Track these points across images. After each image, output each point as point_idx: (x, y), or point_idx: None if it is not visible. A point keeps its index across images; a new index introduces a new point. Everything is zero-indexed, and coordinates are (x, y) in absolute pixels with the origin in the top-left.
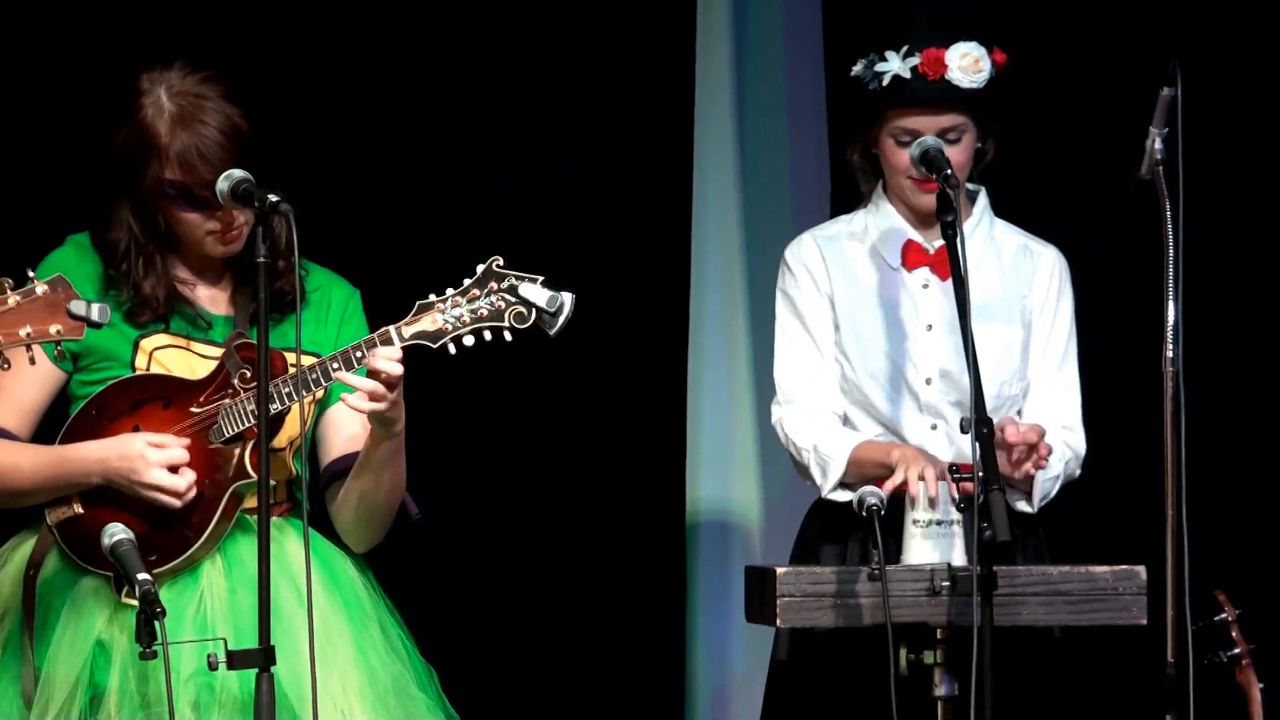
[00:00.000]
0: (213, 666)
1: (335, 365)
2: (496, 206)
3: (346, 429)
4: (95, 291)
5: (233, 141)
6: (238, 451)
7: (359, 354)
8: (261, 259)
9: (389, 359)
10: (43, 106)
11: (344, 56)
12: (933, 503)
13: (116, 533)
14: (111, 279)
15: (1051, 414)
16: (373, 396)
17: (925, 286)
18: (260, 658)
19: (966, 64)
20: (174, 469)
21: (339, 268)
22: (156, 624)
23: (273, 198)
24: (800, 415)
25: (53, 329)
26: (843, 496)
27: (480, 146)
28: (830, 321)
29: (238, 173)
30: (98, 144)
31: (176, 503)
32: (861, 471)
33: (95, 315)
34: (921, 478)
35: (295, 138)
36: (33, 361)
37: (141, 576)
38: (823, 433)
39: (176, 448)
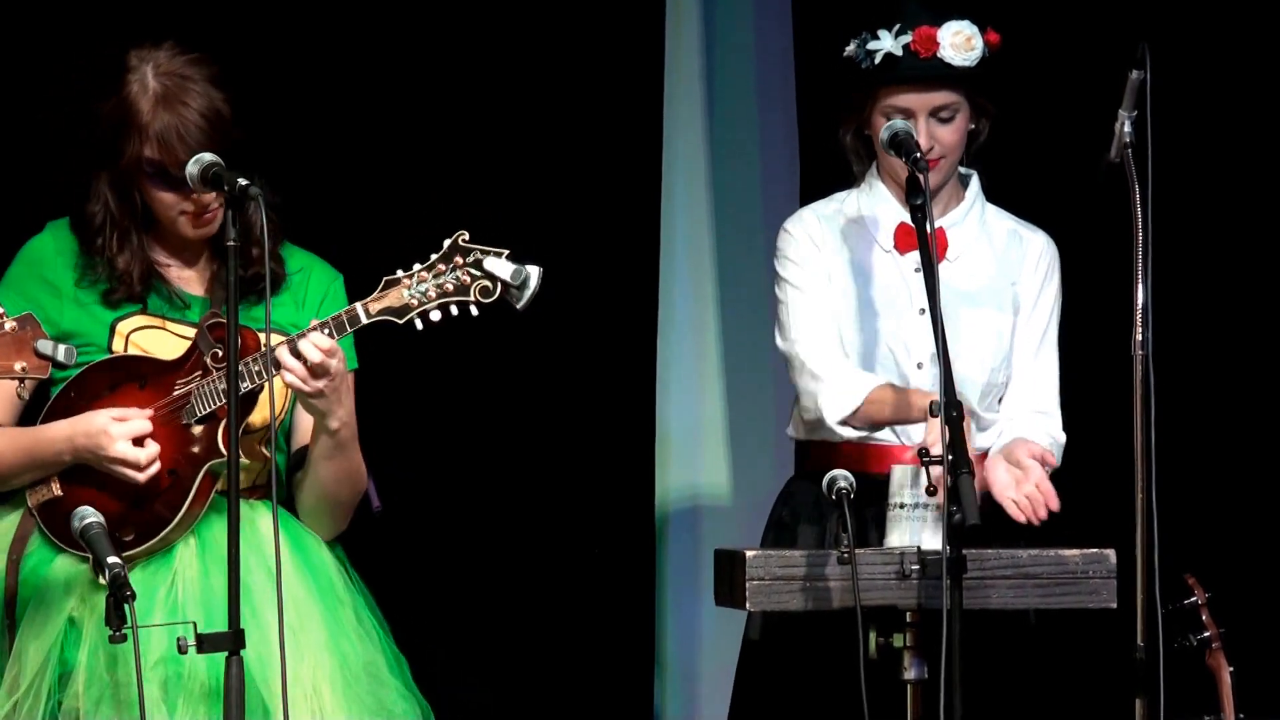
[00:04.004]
0: (182, 650)
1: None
2: (466, 188)
3: (310, 420)
4: (72, 274)
5: (213, 125)
6: (210, 431)
7: (326, 331)
8: (231, 242)
9: (312, 345)
10: (27, 90)
11: (327, 45)
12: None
13: (86, 515)
14: (89, 258)
15: (1027, 399)
16: (298, 377)
17: (918, 270)
18: (230, 641)
19: (959, 42)
20: (139, 441)
21: (314, 248)
22: (126, 607)
23: (242, 181)
24: (812, 348)
25: (18, 366)
26: (849, 433)
27: (451, 127)
28: (829, 289)
29: (207, 156)
30: (83, 118)
31: (140, 476)
32: (884, 406)
33: (61, 356)
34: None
35: (272, 120)
36: (22, 396)
37: (111, 560)
38: (840, 365)
39: (139, 419)
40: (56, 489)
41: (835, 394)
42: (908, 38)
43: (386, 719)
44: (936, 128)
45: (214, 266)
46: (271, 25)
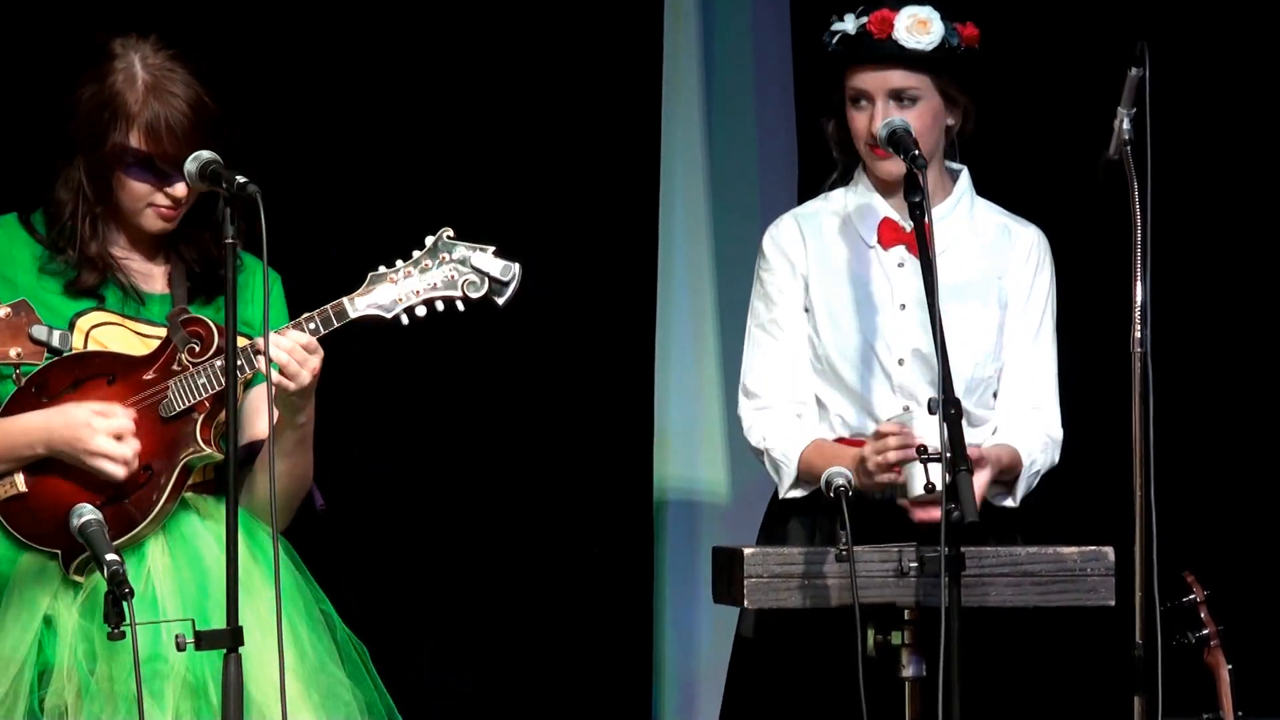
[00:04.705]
0: (180, 647)
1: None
2: (463, 185)
3: (266, 411)
4: (31, 267)
5: (200, 117)
6: (188, 425)
7: (312, 325)
8: (229, 240)
9: (294, 342)
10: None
11: (322, 41)
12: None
13: (85, 513)
14: (54, 245)
15: (1023, 393)
16: (284, 372)
17: (900, 265)
18: (228, 638)
19: (911, 24)
20: (119, 437)
21: (308, 244)
22: (125, 604)
23: (240, 179)
24: (758, 411)
25: (13, 352)
26: (799, 493)
27: (449, 123)
28: (802, 305)
29: (205, 154)
30: (52, 102)
31: (120, 471)
32: (814, 474)
33: (56, 341)
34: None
35: (258, 113)
36: (17, 384)
37: (110, 557)
38: (777, 431)
39: (122, 417)
40: (21, 484)
41: (775, 465)
42: (865, 19)
43: (340, 708)
44: (896, 112)
45: (170, 262)
46: (267, 23)
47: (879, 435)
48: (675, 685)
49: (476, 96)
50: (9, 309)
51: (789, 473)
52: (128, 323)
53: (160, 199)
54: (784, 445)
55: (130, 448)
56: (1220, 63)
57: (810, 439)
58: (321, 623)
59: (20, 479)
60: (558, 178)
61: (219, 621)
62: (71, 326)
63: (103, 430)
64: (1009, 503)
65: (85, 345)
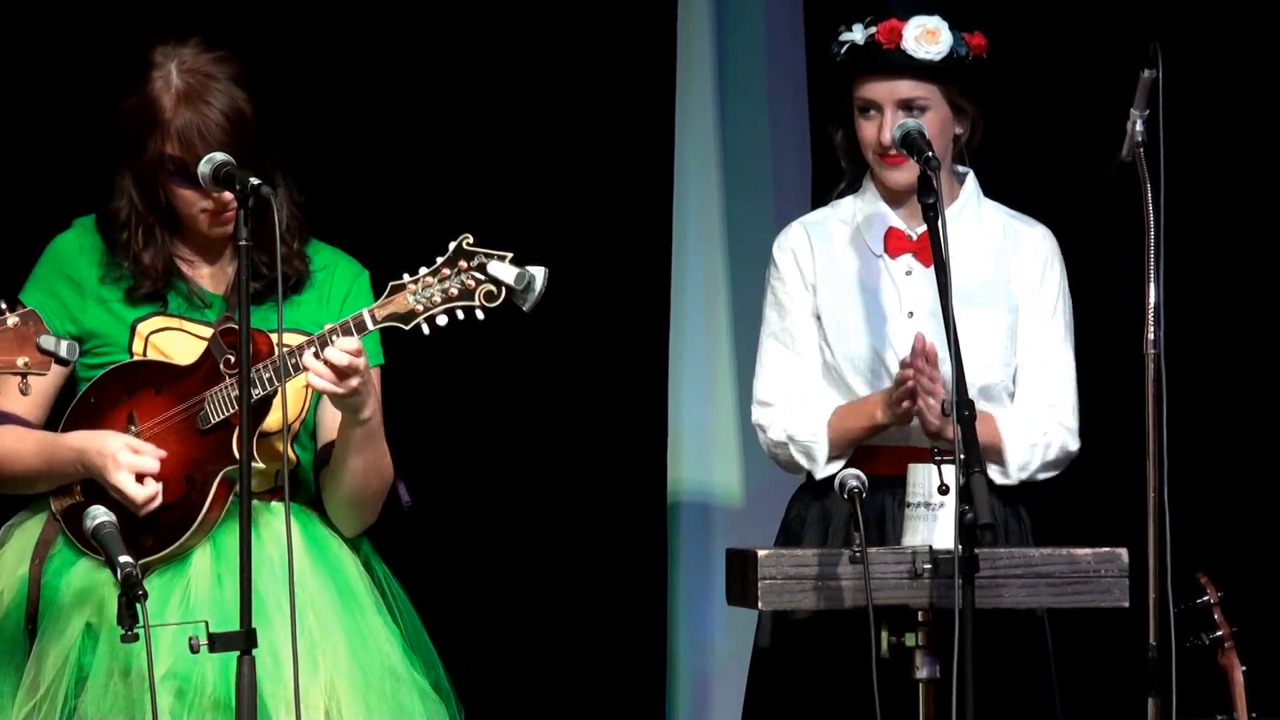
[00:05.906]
0: (194, 649)
1: (312, 349)
2: (478, 190)
3: (337, 413)
4: (96, 272)
5: (234, 124)
6: (225, 437)
7: (335, 338)
8: (243, 242)
9: (339, 350)
10: (52, 89)
11: (338, 45)
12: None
13: (98, 515)
14: (113, 254)
15: (1038, 391)
16: (325, 379)
17: (908, 273)
18: (241, 640)
19: (920, 34)
20: (141, 479)
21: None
22: (138, 606)
23: (254, 181)
24: (772, 414)
25: (20, 361)
26: (838, 466)
27: (464, 127)
28: (812, 311)
29: (219, 156)
30: (107, 114)
31: (137, 512)
32: (848, 437)
33: (64, 352)
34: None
35: (285, 120)
36: (24, 391)
37: (123, 559)
38: (796, 419)
39: (149, 458)
40: (79, 494)
41: (805, 450)
42: (874, 29)
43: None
44: (905, 121)
45: (234, 264)
46: (283, 24)
47: (901, 367)
48: (689, 686)
49: (492, 103)
50: (17, 318)
51: (822, 447)
52: (186, 325)
53: (208, 204)
54: (810, 427)
55: (145, 492)
56: (1233, 64)
57: (829, 412)
58: (394, 633)
59: (78, 489)
60: (572, 183)
61: (261, 639)
62: (132, 331)
63: (126, 466)
64: (1001, 478)
65: (145, 351)
